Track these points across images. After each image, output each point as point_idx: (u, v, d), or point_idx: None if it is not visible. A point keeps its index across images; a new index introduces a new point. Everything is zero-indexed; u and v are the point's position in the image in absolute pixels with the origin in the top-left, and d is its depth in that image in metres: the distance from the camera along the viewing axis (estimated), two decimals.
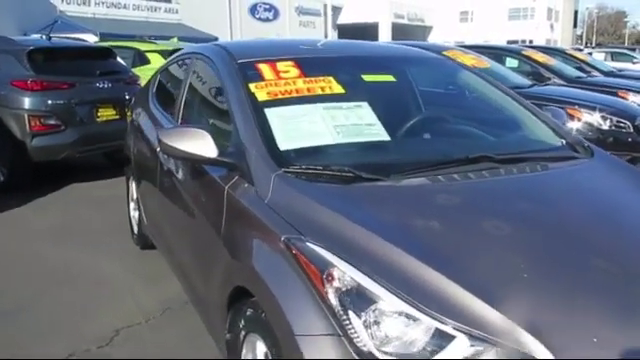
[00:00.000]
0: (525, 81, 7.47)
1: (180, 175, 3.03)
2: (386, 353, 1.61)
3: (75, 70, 6.70)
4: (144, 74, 8.09)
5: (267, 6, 38.30)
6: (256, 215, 2.15)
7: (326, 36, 39.49)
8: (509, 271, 1.74)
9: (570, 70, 9.39)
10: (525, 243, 1.88)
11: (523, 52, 9.15)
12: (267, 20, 38.19)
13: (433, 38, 52.16)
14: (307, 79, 2.78)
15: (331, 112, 2.58)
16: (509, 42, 35.77)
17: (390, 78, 3.09)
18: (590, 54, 17.25)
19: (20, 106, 6.19)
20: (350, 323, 1.66)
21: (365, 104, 2.67)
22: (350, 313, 1.68)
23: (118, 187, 6.31)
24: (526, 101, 3.16)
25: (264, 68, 2.84)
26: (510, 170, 2.36)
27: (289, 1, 39.40)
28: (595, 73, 10.34)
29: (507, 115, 3.05)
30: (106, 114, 6.79)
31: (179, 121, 3.37)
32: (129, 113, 4.98)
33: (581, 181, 2.44)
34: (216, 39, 26.25)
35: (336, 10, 44.37)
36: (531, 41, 45.08)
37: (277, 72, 2.81)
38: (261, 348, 2.02)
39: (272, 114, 2.55)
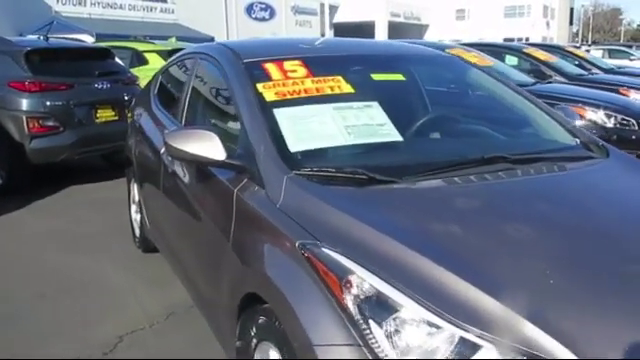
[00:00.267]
0: (528, 79, 7.42)
1: (185, 178, 2.96)
2: None
3: (73, 71, 6.62)
4: (142, 74, 8.03)
5: (263, 5, 38.21)
6: (268, 219, 2.09)
7: (323, 35, 39.39)
8: (534, 277, 1.68)
9: (571, 68, 9.35)
10: (548, 247, 1.82)
11: (524, 50, 9.10)
12: (263, 20, 38.12)
13: (429, 36, 52.10)
14: (315, 79, 2.72)
15: (341, 112, 2.51)
16: (505, 40, 35.79)
17: (399, 77, 3.02)
18: (588, 51, 17.23)
19: (18, 108, 6.11)
20: (371, 332, 1.60)
21: (375, 104, 2.60)
22: (371, 322, 1.61)
23: (118, 189, 6.25)
24: (538, 99, 3.10)
25: (271, 68, 2.77)
26: (527, 171, 2.30)
27: (285, 0, 39.31)
28: (595, 70, 10.30)
29: (519, 114, 2.99)
30: (105, 115, 6.71)
31: (183, 122, 3.30)
32: (129, 114, 4.91)
33: (600, 182, 2.38)
34: (212, 39, 26.20)
35: (332, 9, 44.33)
36: (527, 39, 45.04)
37: (284, 72, 2.74)
38: (275, 357, 1.95)
39: (281, 115, 2.48)
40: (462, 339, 1.54)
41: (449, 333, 1.56)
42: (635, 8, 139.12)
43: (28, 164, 6.23)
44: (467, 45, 8.69)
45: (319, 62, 2.91)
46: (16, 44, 6.70)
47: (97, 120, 6.64)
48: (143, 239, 4.35)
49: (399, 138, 2.44)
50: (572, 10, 67.20)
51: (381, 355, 1.56)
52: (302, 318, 1.75)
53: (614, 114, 6.19)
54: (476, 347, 1.53)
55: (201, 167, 2.65)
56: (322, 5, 41.50)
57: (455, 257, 1.72)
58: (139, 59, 9.69)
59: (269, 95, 2.59)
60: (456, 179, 2.16)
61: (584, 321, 1.56)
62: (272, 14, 38.88)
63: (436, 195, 2.09)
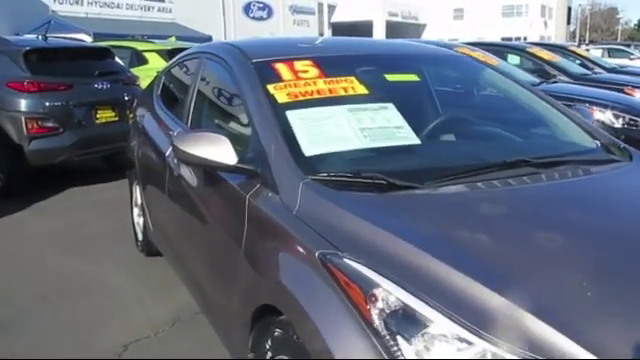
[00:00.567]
0: (533, 79, 7.33)
1: (192, 181, 2.86)
2: None
3: (73, 71, 6.52)
4: (142, 74, 7.93)
5: (261, 5, 38.11)
6: (284, 227, 1.99)
7: (321, 34, 39.30)
8: (570, 289, 1.59)
9: (575, 67, 9.27)
10: (582, 256, 1.73)
11: (527, 49, 9.01)
12: (261, 19, 38.01)
13: (427, 36, 52.03)
14: (328, 79, 2.62)
15: (356, 114, 2.42)
16: (503, 39, 35.71)
17: (414, 77, 2.93)
18: (587, 50, 17.16)
19: (16, 108, 6.01)
20: (399, 349, 1.51)
21: (391, 105, 2.51)
22: (399, 338, 1.52)
23: (118, 190, 6.15)
24: (555, 100, 3.01)
25: (281, 68, 2.67)
26: (551, 175, 2.21)
27: (283, 0, 39.20)
28: (598, 70, 10.22)
29: (537, 115, 2.90)
30: (105, 116, 6.61)
31: (189, 124, 3.20)
32: (131, 115, 4.81)
33: (628, 186, 2.29)
34: (210, 38, 26.10)
35: (330, 8, 44.22)
36: (525, 38, 44.98)
37: (295, 72, 2.65)
38: None
39: (294, 117, 2.39)
40: (494, 355, 1.45)
41: (481, 348, 1.47)
42: (632, 7, 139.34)
43: (27, 166, 6.13)
44: (470, 44, 8.59)
45: (331, 62, 2.81)
46: (14, 43, 6.59)
47: (97, 121, 6.54)
48: (146, 243, 4.25)
49: (417, 141, 2.35)
50: (570, 9, 67.17)
51: None
52: (323, 332, 1.65)
53: (622, 114, 6.10)
54: None
55: (209, 171, 2.56)
56: (321, 5, 41.38)
57: (485, 268, 1.63)
58: (139, 59, 9.58)
59: (280, 96, 2.50)
60: (479, 184, 2.07)
61: (628, 338, 1.47)
62: (270, 13, 38.79)
63: (460, 201, 1.99)
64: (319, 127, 2.37)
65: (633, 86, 8.19)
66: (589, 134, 2.75)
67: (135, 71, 8.08)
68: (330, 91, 2.56)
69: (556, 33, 59.78)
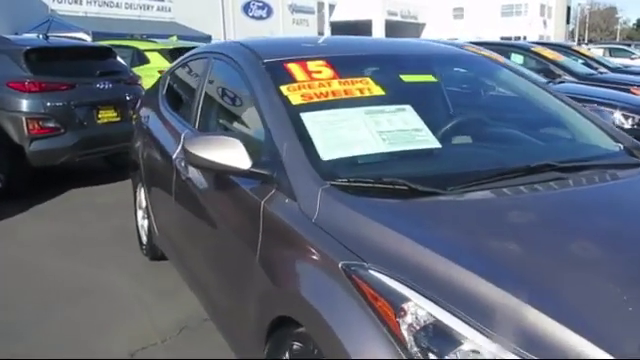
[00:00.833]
0: (540, 79, 7.24)
1: (202, 185, 2.77)
2: None
3: (74, 70, 6.42)
4: (144, 74, 7.85)
5: (260, 4, 38.00)
6: (303, 235, 1.90)
7: (321, 34, 39.19)
8: (609, 301, 1.50)
9: (580, 67, 9.19)
10: (620, 267, 1.64)
11: (532, 48, 8.93)
12: (260, 18, 37.91)
13: (426, 35, 51.94)
14: (342, 80, 2.53)
15: (373, 116, 2.33)
16: (502, 39, 35.65)
17: (430, 78, 2.84)
18: (589, 50, 17.07)
19: (17, 108, 5.91)
20: None
21: (408, 107, 2.42)
22: (430, 355, 1.44)
23: (120, 192, 6.08)
24: (573, 101, 2.93)
25: (294, 68, 2.59)
26: (579, 180, 2.12)
27: None
28: (602, 69, 10.14)
29: (557, 117, 2.82)
30: (107, 116, 6.52)
31: (196, 126, 3.12)
32: (135, 116, 4.72)
33: None
34: (209, 37, 26.01)
35: (329, 7, 44.12)
36: (525, 37, 44.92)
37: (309, 72, 2.56)
38: None
39: (309, 119, 2.30)
40: None
41: None
42: (631, 7, 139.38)
43: (28, 167, 6.03)
44: (475, 44, 8.50)
45: (344, 62, 2.73)
46: (15, 43, 6.49)
47: (99, 121, 6.44)
48: (151, 246, 4.16)
49: (437, 145, 2.26)
50: (569, 9, 67.07)
51: None
52: (347, 346, 1.57)
53: (631, 115, 6.02)
54: None
55: (220, 174, 2.47)
56: (321, 4, 41.31)
57: (520, 280, 1.55)
58: (140, 58, 9.48)
59: (295, 98, 2.41)
60: (505, 190, 1.99)
61: None
62: (269, 12, 38.69)
63: (487, 208, 1.91)
64: (335, 130, 2.28)
65: (639, 85, 8.11)
66: (611, 137, 2.67)
67: (137, 70, 7.99)
68: (345, 92, 2.47)
69: (555, 32, 59.70)
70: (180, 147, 3.12)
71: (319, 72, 2.57)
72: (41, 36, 6.96)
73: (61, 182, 6.65)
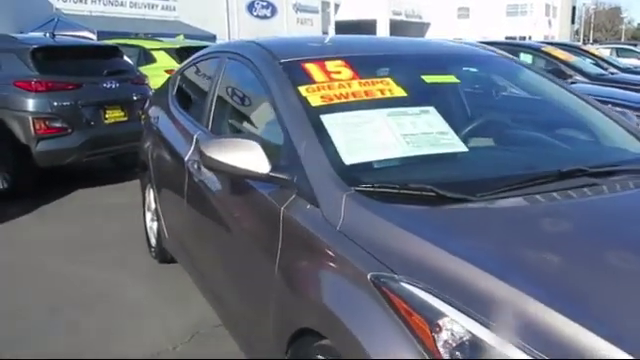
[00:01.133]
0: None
1: (216, 188, 2.69)
2: None
3: (81, 70, 6.35)
4: (151, 73, 7.77)
5: (265, 3, 37.93)
6: (327, 244, 1.82)
7: (325, 33, 39.10)
8: None
9: (590, 67, 9.09)
10: None
11: (543, 49, 8.83)
12: (265, 17, 37.84)
13: (431, 35, 51.79)
14: (363, 81, 2.45)
15: (396, 118, 2.25)
16: (507, 38, 35.50)
17: (452, 79, 2.76)
18: (597, 50, 16.94)
19: (24, 108, 5.84)
20: None
21: (432, 109, 2.34)
22: None
23: (127, 193, 6.02)
24: (597, 102, 2.84)
25: (312, 68, 2.50)
26: (612, 186, 2.03)
27: None
28: (612, 70, 10.03)
29: (583, 119, 2.72)
30: (114, 116, 6.45)
31: (209, 127, 3.04)
32: (144, 116, 4.65)
33: None
34: (214, 37, 25.94)
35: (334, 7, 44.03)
36: (530, 37, 44.74)
37: (327, 73, 2.48)
38: None
39: (330, 122, 2.21)
40: None
41: None
42: (635, 7, 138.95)
43: (34, 167, 5.96)
44: (485, 44, 8.40)
45: (364, 62, 2.64)
46: (22, 42, 6.42)
47: (106, 121, 6.37)
48: (160, 249, 4.08)
49: (463, 148, 2.17)
50: (574, 9, 66.83)
51: None
52: None
53: None
54: None
55: (235, 178, 2.39)
56: (325, 3, 41.21)
57: (561, 293, 1.46)
58: (147, 57, 9.41)
59: (314, 99, 2.32)
60: (538, 197, 1.90)
61: None
62: (274, 12, 38.62)
63: (522, 217, 1.82)
64: (357, 133, 2.20)
65: None
66: (639, 139, 2.58)
67: (143, 70, 7.92)
68: (366, 93, 2.39)
69: (560, 32, 59.50)
70: (192, 149, 3.05)
71: (338, 72, 2.49)
72: (48, 35, 6.89)
73: (67, 182, 6.58)
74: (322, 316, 1.73)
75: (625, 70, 10.46)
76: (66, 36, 7.87)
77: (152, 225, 4.26)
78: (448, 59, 2.92)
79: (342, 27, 43.23)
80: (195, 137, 3.06)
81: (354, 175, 1.97)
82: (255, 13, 37.16)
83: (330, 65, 2.53)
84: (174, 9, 30.74)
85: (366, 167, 2.06)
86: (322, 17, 42.64)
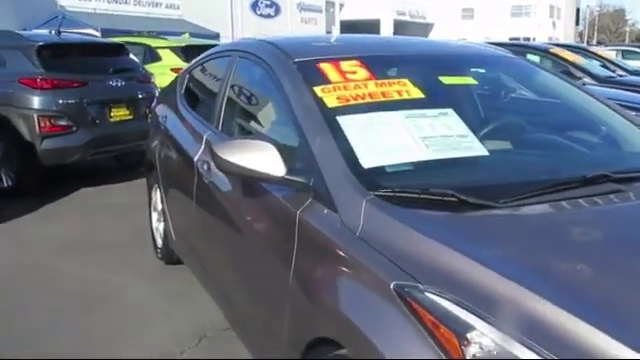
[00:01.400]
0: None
1: (227, 189, 2.63)
2: None
3: (86, 67, 6.31)
4: (156, 71, 7.72)
5: (269, 2, 37.92)
6: (346, 250, 1.76)
7: (329, 33, 39.05)
8: None
9: (599, 69, 9.00)
10: None
11: (551, 50, 8.75)
12: (269, 16, 37.81)
13: (434, 36, 51.70)
14: (379, 81, 2.39)
15: (415, 121, 2.18)
16: (511, 39, 35.37)
17: (470, 81, 2.69)
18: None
19: (29, 106, 5.79)
20: None
21: (450, 111, 2.27)
22: None
23: (132, 192, 5.96)
24: (617, 106, 2.77)
25: (327, 68, 2.44)
26: (639, 193, 1.97)
27: None
28: (620, 72, 9.95)
29: (603, 122, 2.66)
30: (119, 114, 6.40)
31: (219, 128, 2.98)
32: (150, 115, 4.59)
33: None
34: (217, 35, 25.91)
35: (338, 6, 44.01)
36: (534, 39, 44.63)
37: (343, 73, 2.42)
38: None
39: (347, 123, 2.15)
40: None
41: None
42: (639, 9, 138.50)
43: (39, 165, 5.91)
44: (493, 44, 8.33)
45: (380, 62, 2.58)
46: (28, 39, 6.36)
47: (111, 119, 6.32)
48: (166, 250, 4.03)
49: (484, 152, 2.11)
50: (578, 10, 66.65)
51: None
52: None
53: None
54: None
55: (248, 180, 2.32)
56: (330, 3, 41.19)
57: (594, 305, 1.40)
58: (152, 55, 9.34)
59: (330, 100, 2.26)
60: (564, 204, 1.83)
61: None
62: (277, 11, 38.60)
63: (549, 225, 1.75)
64: (375, 135, 2.14)
65: None
66: None
67: (149, 68, 7.85)
68: (383, 94, 2.33)
69: (564, 34, 59.37)
70: (202, 149, 2.99)
71: (353, 72, 2.43)
72: (53, 32, 6.83)
73: (71, 181, 6.53)
74: (341, 325, 1.66)
75: (633, 72, 10.36)
76: (72, 33, 7.80)
77: (158, 226, 4.20)
78: (465, 60, 2.86)
79: (345, 27, 43.20)
80: (205, 137, 3.01)
81: (373, 179, 1.91)
82: (259, 12, 37.13)
83: (345, 65, 2.47)
84: (178, 7, 30.70)
85: (385, 171, 2.00)
86: (326, 16, 42.59)
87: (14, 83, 5.83)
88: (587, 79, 8.20)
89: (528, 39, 41.68)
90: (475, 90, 2.72)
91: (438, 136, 2.13)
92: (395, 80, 2.41)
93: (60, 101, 5.85)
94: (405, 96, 2.33)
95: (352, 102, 2.27)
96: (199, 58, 3.79)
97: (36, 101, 5.78)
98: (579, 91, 2.86)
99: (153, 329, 3.28)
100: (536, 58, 8.80)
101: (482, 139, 2.26)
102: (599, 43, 53.03)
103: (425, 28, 55.47)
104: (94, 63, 6.50)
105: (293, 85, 2.38)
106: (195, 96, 3.69)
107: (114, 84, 6.39)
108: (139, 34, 11.51)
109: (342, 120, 2.16)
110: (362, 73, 2.43)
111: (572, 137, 2.56)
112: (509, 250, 1.60)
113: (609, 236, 1.74)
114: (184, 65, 8.21)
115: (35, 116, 5.75)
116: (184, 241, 3.50)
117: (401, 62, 2.68)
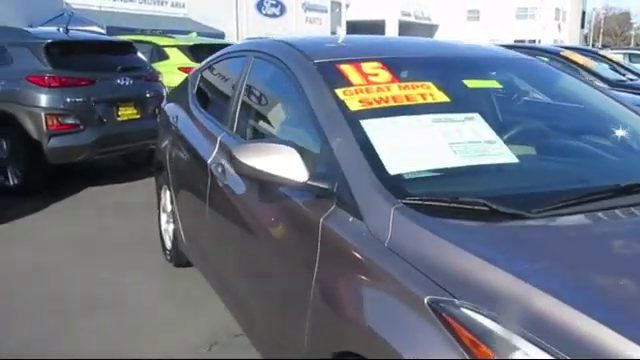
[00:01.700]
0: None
1: (243, 193, 2.55)
2: None
3: (94, 65, 6.23)
4: (164, 70, 7.65)
5: (274, 2, 37.94)
6: (375, 262, 1.68)
7: (334, 33, 38.99)
8: None
9: (609, 73, 8.89)
10: None
11: (561, 53, 8.65)
12: (274, 16, 37.83)
13: (439, 37, 51.58)
14: (402, 84, 2.32)
15: (441, 126, 2.11)
16: (516, 41, 35.27)
17: (495, 84, 2.62)
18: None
19: (36, 104, 5.72)
20: None
21: (477, 115, 2.20)
22: None
23: (139, 192, 5.91)
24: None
25: (348, 70, 2.37)
26: None
27: None
28: (630, 76, 9.84)
29: (631, 129, 2.58)
30: (127, 113, 6.32)
31: (234, 129, 2.91)
32: (160, 114, 4.52)
33: None
34: (223, 34, 25.88)
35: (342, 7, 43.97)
36: (539, 41, 44.49)
37: (364, 75, 2.34)
38: None
39: (371, 127, 2.08)
40: None
41: None
42: None
43: (46, 164, 5.84)
44: (503, 47, 8.25)
45: (402, 64, 2.51)
46: (35, 36, 6.29)
47: (119, 118, 6.25)
48: (176, 253, 3.95)
49: (514, 159, 2.03)
50: (584, 13, 66.53)
51: None
52: None
53: None
54: None
55: (267, 185, 2.25)
56: (335, 3, 41.14)
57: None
58: (159, 54, 9.26)
59: (352, 103, 2.19)
60: (600, 214, 1.76)
61: None
62: (282, 10, 38.60)
63: (587, 237, 1.68)
64: (401, 140, 2.06)
65: None
66: None
67: (156, 67, 7.78)
68: (407, 98, 2.25)
69: (570, 36, 59.22)
70: (216, 151, 2.92)
71: (375, 75, 2.35)
72: (61, 29, 6.76)
73: (78, 180, 6.47)
74: (370, 341, 1.59)
75: None
76: (80, 31, 7.74)
77: (168, 227, 4.13)
78: (488, 63, 2.78)
79: (351, 27, 43.14)
80: (219, 139, 2.94)
81: (400, 186, 1.84)
82: (264, 11, 37.15)
83: (366, 67, 2.39)
84: (183, 6, 30.72)
85: (412, 178, 1.92)
86: (331, 16, 42.55)
87: (21, 81, 5.76)
88: (598, 83, 8.11)
89: (533, 41, 41.60)
90: (499, 94, 2.64)
91: (465, 142, 2.05)
92: (419, 83, 2.33)
93: (68, 99, 5.78)
94: (429, 100, 2.26)
95: (375, 105, 2.19)
96: (211, 58, 3.72)
97: (43, 99, 5.71)
98: (604, 96, 2.78)
99: (163, 334, 3.19)
100: (546, 61, 8.72)
101: (511, 145, 2.18)
102: (604, 46, 52.86)
103: (430, 29, 55.41)
104: (102, 61, 6.42)
105: (314, 87, 2.31)
106: (208, 96, 3.62)
107: (122, 83, 6.32)
108: (142, 32, 11.43)
109: (365, 124, 2.09)
110: (384, 75, 2.35)
111: (599, 143, 2.48)
112: (549, 264, 1.52)
113: None
114: (192, 64, 8.16)
115: (42, 114, 5.68)
116: (195, 244, 3.43)
117: (425, 64, 2.60)
